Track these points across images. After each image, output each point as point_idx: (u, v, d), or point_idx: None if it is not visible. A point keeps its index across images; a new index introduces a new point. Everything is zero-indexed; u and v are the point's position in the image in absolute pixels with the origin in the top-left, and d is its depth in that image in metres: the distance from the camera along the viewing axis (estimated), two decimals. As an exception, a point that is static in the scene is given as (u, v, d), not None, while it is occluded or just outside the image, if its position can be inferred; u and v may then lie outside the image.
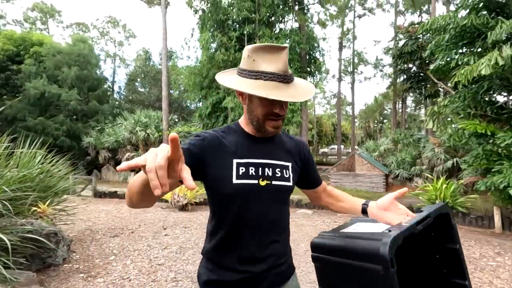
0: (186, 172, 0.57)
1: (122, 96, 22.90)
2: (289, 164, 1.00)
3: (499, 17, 5.04)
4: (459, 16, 6.05)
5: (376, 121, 36.15)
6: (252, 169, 0.92)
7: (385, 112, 33.54)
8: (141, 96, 21.80)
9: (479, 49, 5.60)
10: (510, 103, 5.84)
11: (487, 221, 5.81)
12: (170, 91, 17.67)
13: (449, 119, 6.79)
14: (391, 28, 21.69)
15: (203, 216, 6.29)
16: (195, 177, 0.77)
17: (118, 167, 0.54)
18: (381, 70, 24.19)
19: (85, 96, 17.19)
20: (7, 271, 2.41)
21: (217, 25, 13.64)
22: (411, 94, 19.05)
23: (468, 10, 5.98)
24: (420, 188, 7.54)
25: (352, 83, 22.74)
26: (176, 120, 17.25)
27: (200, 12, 13.84)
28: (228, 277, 0.92)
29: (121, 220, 5.77)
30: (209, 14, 13.29)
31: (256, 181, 0.92)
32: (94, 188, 9.62)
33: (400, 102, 20.35)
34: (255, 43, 13.27)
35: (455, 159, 10.48)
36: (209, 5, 13.34)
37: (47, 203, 3.43)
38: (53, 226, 3.15)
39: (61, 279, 2.83)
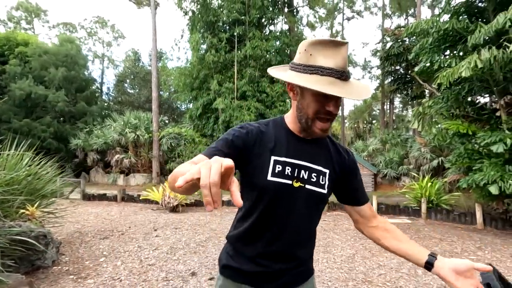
0: (235, 186, 0.55)
1: (111, 97, 22.58)
2: (327, 171, 0.96)
3: (478, 22, 5.26)
4: (442, 20, 6.28)
5: (365, 122, 36.70)
6: (288, 169, 0.91)
7: (374, 112, 34.11)
8: (131, 97, 21.56)
9: (460, 52, 5.82)
10: (490, 104, 6.07)
11: (469, 218, 6.03)
12: (160, 92, 17.53)
13: (433, 119, 7.00)
14: (378, 30, 22.13)
15: (194, 217, 6.31)
16: (235, 166, 0.73)
17: (176, 184, 0.52)
18: (369, 72, 24.65)
19: (73, 97, 16.92)
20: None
21: (207, 26, 13.65)
22: (398, 95, 19.46)
23: (450, 14, 6.22)
24: (407, 186, 7.74)
25: (342, 84, 23.03)
26: (166, 121, 17.13)
27: (190, 14, 13.82)
28: (246, 267, 0.94)
29: (110, 222, 5.74)
30: (199, 16, 13.29)
31: (290, 182, 0.91)
32: (82, 190, 9.48)
33: (388, 103, 20.77)
34: (245, 44, 13.26)
35: (440, 158, 10.80)
36: (199, 6, 13.33)
37: (36, 205, 3.40)
38: (42, 228, 3.13)
39: (51, 281, 2.82)
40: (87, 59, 20.00)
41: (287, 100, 13.83)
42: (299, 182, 0.91)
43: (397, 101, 26.44)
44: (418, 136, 13.11)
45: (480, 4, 5.87)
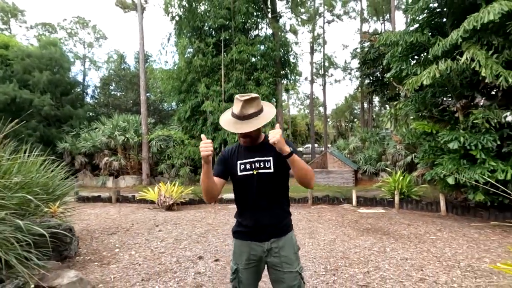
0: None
1: (96, 100, 22.42)
2: (270, 158, 1.55)
3: (438, 36, 6.08)
4: (412, 28, 7.04)
5: (347, 121, 38.06)
6: (248, 165, 1.57)
7: (355, 111, 35.48)
8: (117, 100, 21.53)
9: (424, 62, 6.64)
10: (450, 106, 6.91)
11: (435, 206, 6.87)
12: (147, 94, 17.73)
13: (404, 120, 7.83)
14: (357, 34, 23.23)
15: (190, 214, 6.80)
16: (227, 173, 1.61)
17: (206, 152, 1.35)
18: (349, 73, 25.76)
19: (58, 100, 16.82)
20: (32, 262, 2.85)
21: (194, 31, 14.07)
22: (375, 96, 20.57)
23: (418, 24, 6.97)
24: (382, 181, 8.56)
25: (324, 85, 24.04)
26: (154, 123, 17.36)
27: (177, 18, 14.18)
28: (242, 229, 1.61)
29: (113, 221, 6.14)
30: (186, 21, 13.68)
31: (251, 172, 1.55)
32: (76, 193, 9.70)
33: (367, 103, 21.89)
34: (231, 49, 13.77)
35: (413, 155, 11.77)
36: (185, 12, 13.72)
37: (57, 204, 3.82)
38: (68, 223, 3.56)
39: (79, 267, 3.28)
40: (71, 62, 19.84)
41: (272, 100, 14.51)
42: (256, 170, 1.55)
43: (376, 100, 27.80)
44: (394, 134, 14.11)
45: (439, 20, 6.71)
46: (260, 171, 1.53)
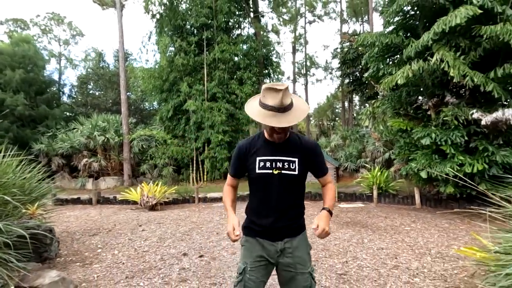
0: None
1: (74, 100, 21.66)
2: (296, 159, 1.43)
3: (411, 38, 6.39)
4: (389, 29, 7.35)
5: (329, 119, 38.83)
6: (268, 163, 1.43)
7: (337, 110, 36.28)
8: (96, 99, 20.90)
9: (399, 62, 6.95)
10: (423, 104, 7.27)
11: (410, 200, 7.23)
12: (128, 93, 17.36)
13: (381, 118, 8.16)
14: (338, 34, 23.78)
15: (173, 213, 6.79)
16: (243, 171, 1.55)
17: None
18: (330, 73, 26.33)
19: (32, 100, 16.15)
20: (13, 264, 2.80)
21: (175, 29, 13.90)
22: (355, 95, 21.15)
23: (394, 26, 7.28)
24: (362, 177, 8.87)
25: (306, 84, 24.47)
26: (135, 123, 17.02)
27: (158, 16, 13.97)
28: (255, 227, 1.50)
29: (94, 222, 6.03)
30: (167, 19, 13.50)
31: (270, 171, 1.42)
32: (54, 195, 9.38)
33: (348, 102, 22.47)
34: (213, 48, 13.74)
35: (391, 151, 12.24)
36: (166, 10, 13.54)
37: (35, 205, 3.73)
38: (47, 224, 3.48)
39: (60, 268, 3.23)
40: (46, 60, 19.07)
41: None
42: (277, 170, 1.43)
43: (357, 99, 28.59)
44: (373, 132, 14.60)
45: (413, 22, 7.05)
46: (283, 171, 1.42)
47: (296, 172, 1.43)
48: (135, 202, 7.95)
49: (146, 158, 14.13)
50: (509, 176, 3.37)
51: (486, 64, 5.77)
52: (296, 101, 1.41)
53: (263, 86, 1.35)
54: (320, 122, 39.54)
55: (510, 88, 6.10)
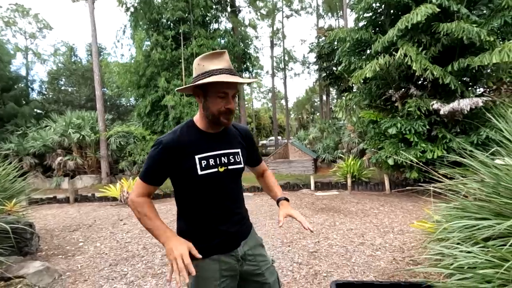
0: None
1: (45, 97, 20.71)
2: (239, 150, 1.24)
3: (379, 34, 6.79)
4: (360, 24, 7.71)
5: (308, 113, 39.63)
6: (211, 161, 1.14)
7: (315, 104, 37.10)
8: (69, 96, 20.11)
9: (368, 57, 7.35)
10: (392, 97, 7.75)
11: (381, 186, 7.73)
12: (103, 89, 16.88)
13: (353, 110, 8.59)
14: (314, 29, 24.23)
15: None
16: (168, 176, 1.16)
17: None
18: (308, 67, 26.83)
19: (-1, 97, 15.33)
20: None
21: (150, 23, 13.67)
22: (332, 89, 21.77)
23: (365, 22, 7.65)
24: (337, 166, 9.32)
25: (284, 78, 24.83)
26: (112, 119, 16.63)
27: (132, 10, 13.66)
28: (204, 245, 1.14)
29: (73, 219, 5.99)
30: (142, 12, 13.25)
31: (216, 169, 1.14)
32: (28, 196, 9.09)
33: (325, 95, 23.09)
34: (191, 42, 13.64)
35: (364, 142, 12.86)
36: (141, 3, 13.27)
37: (13, 202, 3.71)
38: (26, 219, 3.50)
39: (43, 261, 3.29)
40: (11, 55, 18.06)
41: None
42: (223, 167, 1.16)
43: (334, 93, 29.39)
44: (348, 124, 15.19)
45: (381, 18, 7.45)
46: (229, 167, 1.18)
47: (242, 165, 1.24)
48: (114, 199, 7.91)
49: (124, 155, 13.91)
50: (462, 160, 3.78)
51: (444, 58, 6.27)
52: None
53: (198, 58, 1.16)
54: (299, 116, 40.23)
55: (465, 80, 6.67)
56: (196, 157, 1.12)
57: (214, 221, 1.16)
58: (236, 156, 1.22)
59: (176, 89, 1.29)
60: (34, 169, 14.76)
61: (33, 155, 14.25)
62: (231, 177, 1.19)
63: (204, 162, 1.13)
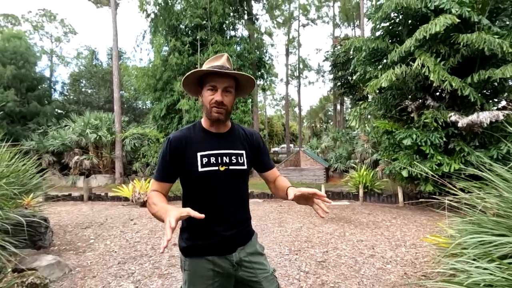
0: (188, 212, 0.90)
1: (66, 97, 21.53)
2: (243, 152, 1.25)
3: (395, 43, 6.71)
4: (377, 34, 7.65)
5: (321, 121, 39.36)
6: (213, 159, 1.18)
7: (329, 113, 36.82)
8: (89, 97, 20.83)
9: (384, 66, 7.27)
10: (408, 107, 7.60)
11: (394, 198, 7.53)
12: (121, 92, 17.38)
13: (368, 119, 8.46)
14: (330, 38, 24.22)
15: (165, 209, 6.92)
16: (177, 172, 1.20)
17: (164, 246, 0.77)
18: (322, 76, 26.76)
19: (23, 96, 16.05)
20: (7, 251, 2.94)
21: (169, 29, 14.04)
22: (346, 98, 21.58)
23: (379, 33, 7.60)
24: (349, 176, 9.17)
25: (299, 86, 24.83)
26: (128, 121, 17.05)
27: (152, 16, 14.09)
28: (199, 243, 1.18)
29: (86, 217, 6.14)
30: (162, 18, 13.64)
31: (216, 168, 1.18)
32: (44, 192, 9.39)
33: (339, 104, 22.90)
34: (207, 48, 13.85)
35: (378, 152, 12.61)
36: (161, 9, 13.67)
37: (30, 196, 3.86)
38: (42, 213, 3.62)
39: (55, 255, 3.38)
40: (38, 57, 18.95)
41: (249, 101, 14.83)
42: (224, 166, 1.19)
43: (348, 102, 29.11)
44: (363, 134, 14.96)
45: (398, 28, 7.37)
46: (230, 167, 1.21)
47: (245, 167, 1.25)
48: (126, 199, 8.06)
49: (138, 157, 14.20)
50: (480, 174, 3.64)
51: (464, 69, 6.12)
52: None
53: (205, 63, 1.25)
54: (312, 124, 40.00)
55: (485, 92, 6.47)
56: (198, 154, 1.18)
57: (209, 221, 1.13)
58: (239, 157, 1.24)
59: (181, 82, 1.31)
60: (52, 167, 15.29)
61: (52, 153, 14.77)
62: (231, 178, 1.21)
63: (205, 160, 1.17)
